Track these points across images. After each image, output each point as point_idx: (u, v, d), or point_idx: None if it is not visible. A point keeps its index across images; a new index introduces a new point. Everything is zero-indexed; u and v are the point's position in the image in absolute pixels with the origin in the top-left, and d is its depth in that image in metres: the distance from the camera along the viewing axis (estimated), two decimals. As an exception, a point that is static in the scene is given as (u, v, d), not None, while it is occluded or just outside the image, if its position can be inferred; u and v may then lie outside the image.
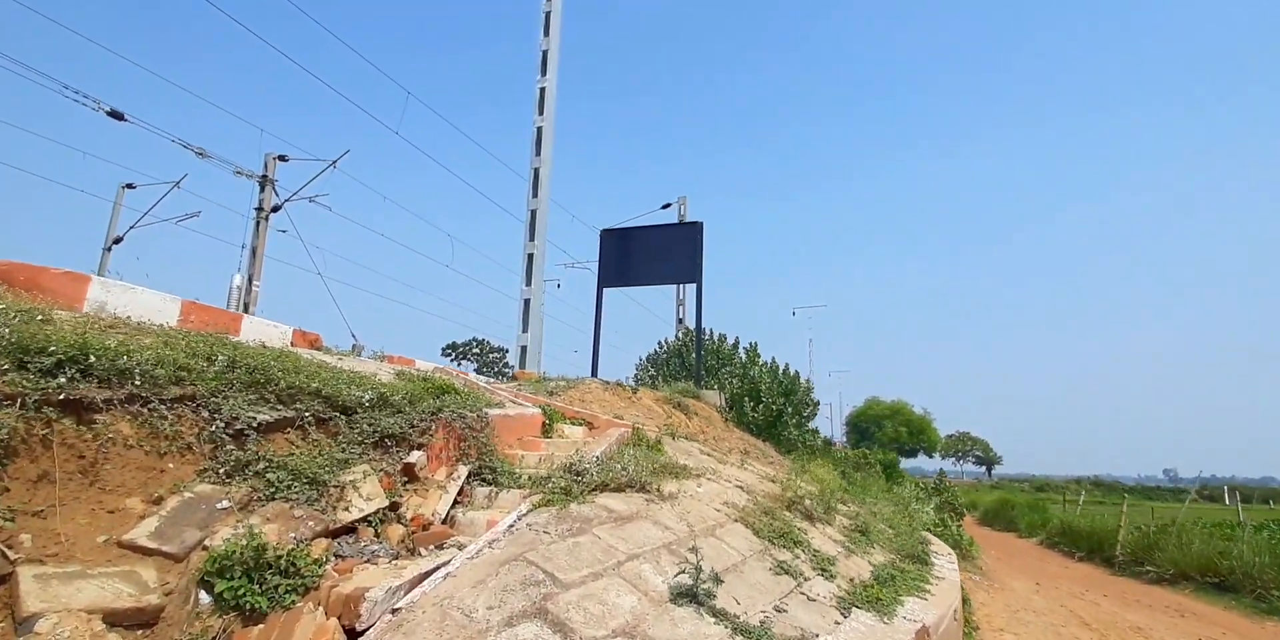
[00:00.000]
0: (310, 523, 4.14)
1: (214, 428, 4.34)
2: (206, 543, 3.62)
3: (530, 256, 14.18)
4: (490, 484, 5.83)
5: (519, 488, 5.70)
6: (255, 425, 4.55)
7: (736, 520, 5.54)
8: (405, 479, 5.26)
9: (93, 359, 4.05)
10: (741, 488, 6.57)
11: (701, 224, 16.07)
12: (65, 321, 4.65)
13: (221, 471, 4.22)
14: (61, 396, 3.75)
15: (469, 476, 5.78)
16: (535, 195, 14.45)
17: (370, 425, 5.34)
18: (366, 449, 5.18)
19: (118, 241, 26.35)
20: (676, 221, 16.35)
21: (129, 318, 5.71)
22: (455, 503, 5.41)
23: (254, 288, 20.86)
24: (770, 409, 13.66)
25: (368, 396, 5.54)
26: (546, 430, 7.82)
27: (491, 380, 11.73)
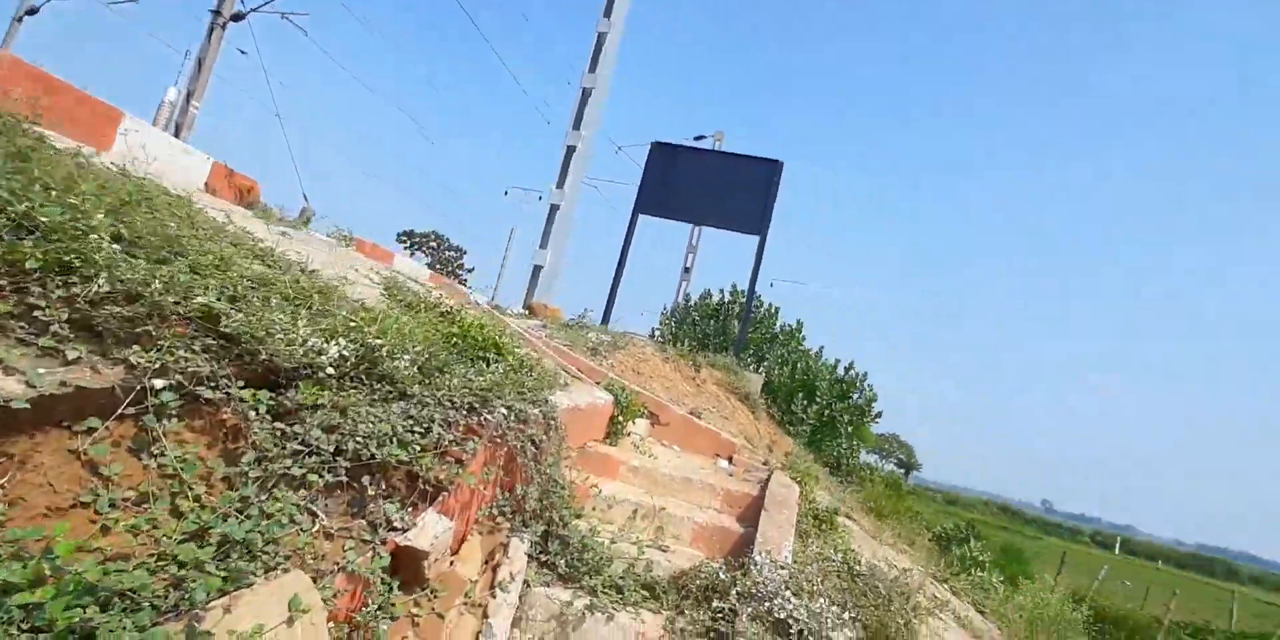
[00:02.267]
0: None
1: None
2: None
3: (570, 149, 10.50)
4: (566, 581, 2.74)
5: (628, 603, 2.64)
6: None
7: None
8: (395, 580, 2.08)
9: None
10: None
11: (781, 164, 12.69)
12: None
13: None
14: None
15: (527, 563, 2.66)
16: (593, 70, 10.68)
17: (327, 429, 2.09)
18: (311, 499, 1.96)
19: (32, 12, 20.54)
20: (749, 155, 12.90)
21: None
22: None
23: (191, 108, 16.15)
24: (823, 413, 10.93)
25: (335, 353, 2.25)
26: (612, 428, 4.71)
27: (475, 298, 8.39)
